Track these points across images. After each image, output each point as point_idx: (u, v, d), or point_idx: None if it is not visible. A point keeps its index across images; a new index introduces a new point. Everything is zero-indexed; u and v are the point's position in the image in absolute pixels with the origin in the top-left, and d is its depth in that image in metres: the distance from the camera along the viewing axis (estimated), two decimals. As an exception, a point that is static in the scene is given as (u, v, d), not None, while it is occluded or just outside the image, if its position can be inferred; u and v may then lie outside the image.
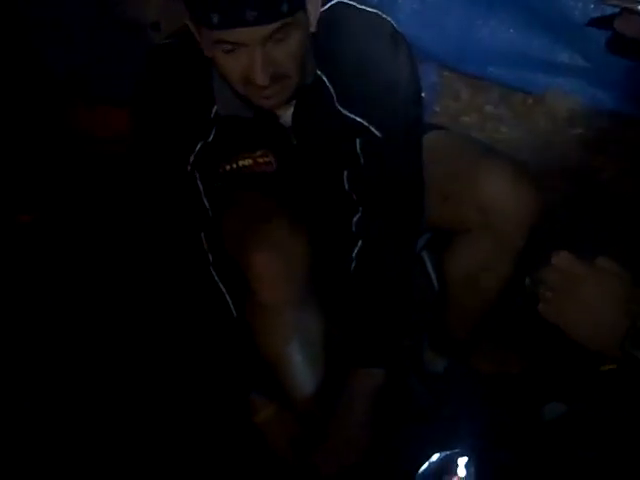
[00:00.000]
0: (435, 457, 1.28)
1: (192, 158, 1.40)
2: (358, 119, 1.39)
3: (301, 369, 1.49)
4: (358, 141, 1.44)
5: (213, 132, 1.39)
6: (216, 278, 1.47)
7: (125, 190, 1.89)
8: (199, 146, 1.40)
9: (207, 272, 1.47)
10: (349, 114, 1.39)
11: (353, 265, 1.53)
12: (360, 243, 1.51)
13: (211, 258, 1.47)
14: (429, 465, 1.28)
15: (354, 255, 1.52)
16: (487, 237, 1.48)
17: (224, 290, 1.48)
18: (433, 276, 1.81)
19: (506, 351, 1.85)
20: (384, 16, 1.38)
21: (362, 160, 1.45)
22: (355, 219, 1.52)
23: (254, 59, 1.17)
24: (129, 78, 1.42)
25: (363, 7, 1.36)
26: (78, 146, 1.87)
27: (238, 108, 1.35)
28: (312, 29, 1.25)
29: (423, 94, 1.51)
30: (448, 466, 1.25)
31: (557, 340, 1.67)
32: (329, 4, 1.34)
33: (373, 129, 1.40)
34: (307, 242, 1.40)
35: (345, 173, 1.49)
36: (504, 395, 1.73)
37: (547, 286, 1.03)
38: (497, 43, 2.25)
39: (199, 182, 1.44)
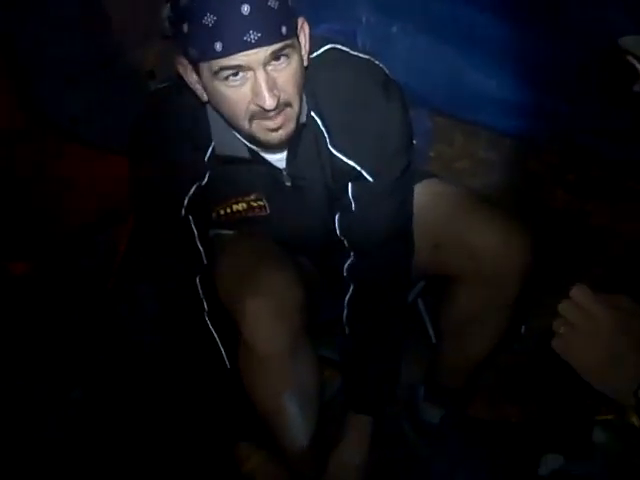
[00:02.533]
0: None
1: (186, 201, 1.40)
2: (350, 163, 1.39)
3: (294, 420, 1.47)
4: (350, 185, 1.44)
5: (207, 175, 1.39)
6: (210, 327, 1.47)
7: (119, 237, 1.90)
8: (193, 189, 1.40)
9: (201, 320, 1.47)
10: (342, 157, 1.39)
11: (345, 312, 1.53)
12: (351, 289, 1.51)
13: (206, 306, 1.47)
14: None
15: (345, 302, 1.52)
16: (481, 286, 1.47)
17: (217, 339, 1.47)
18: (429, 325, 1.80)
19: (504, 399, 1.84)
20: (377, 62, 1.39)
21: (353, 205, 1.45)
22: (346, 265, 1.51)
23: (259, 82, 1.17)
24: (126, 125, 1.43)
25: (356, 53, 1.38)
26: (73, 195, 1.86)
27: (235, 148, 1.35)
28: (304, 63, 1.26)
29: (416, 140, 1.51)
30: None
31: (557, 388, 1.69)
32: (323, 49, 1.35)
33: (365, 173, 1.41)
34: (301, 290, 1.39)
35: (337, 217, 1.49)
36: (501, 445, 1.71)
37: (562, 320, 0.99)
38: (486, 90, 2.28)
39: (193, 226, 1.44)
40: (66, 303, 1.95)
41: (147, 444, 1.79)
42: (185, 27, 1.15)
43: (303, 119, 1.33)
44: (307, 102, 1.33)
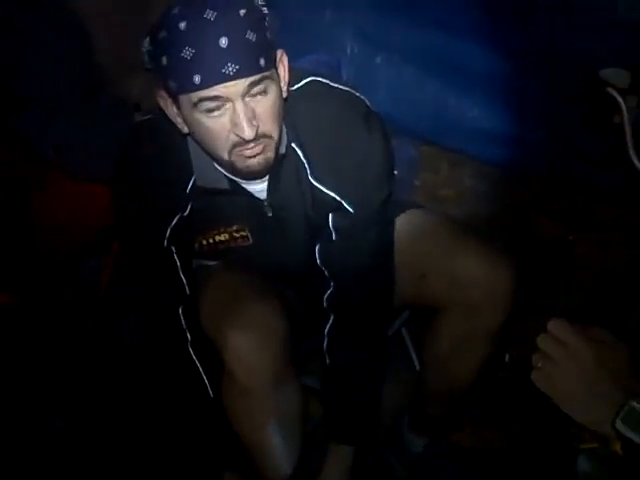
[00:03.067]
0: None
1: (168, 232, 1.40)
2: (331, 194, 1.40)
3: (277, 450, 1.47)
4: (330, 215, 1.44)
5: (189, 206, 1.39)
6: (193, 357, 1.46)
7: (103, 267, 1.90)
8: (175, 220, 1.40)
9: (185, 350, 1.47)
10: (322, 188, 1.40)
11: (325, 342, 1.53)
12: (331, 319, 1.51)
13: (189, 336, 1.47)
14: None
15: (325, 332, 1.52)
16: (466, 315, 1.48)
17: (201, 370, 1.47)
18: (413, 354, 1.80)
19: (488, 427, 1.84)
20: (357, 94, 1.40)
21: (334, 235, 1.45)
22: (326, 294, 1.51)
23: (238, 112, 1.18)
24: (111, 156, 1.44)
25: (337, 85, 1.39)
26: (57, 226, 1.86)
27: (216, 180, 1.36)
28: (284, 94, 1.27)
29: (400, 169, 1.52)
30: None
31: (541, 416, 1.69)
32: (304, 81, 1.37)
33: (345, 204, 1.41)
34: (284, 322, 1.39)
35: (317, 247, 1.50)
36: (484, 474, 1.71)
37: (541, 353, 0.99)
38: (470, 119, 2.31)
39: (176, 257, 1.44)
40: (49, 334, 1.94)
41: (132, 474, 1.78)
42: (164, 60, 1.17)
43: (283, 150, 1.33)
44: (287, 133, 1.34)
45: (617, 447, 1.00)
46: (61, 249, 1.89)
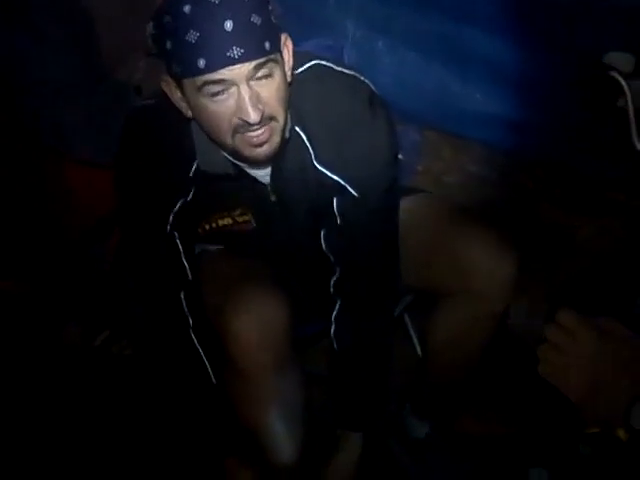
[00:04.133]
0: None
1: (171, 218, 1.40)
2: (335, 177, 1.40)
3: (281, 436, 1.47)
4: (335, 200, 1.44)
5: (192, 191, 1.39)
6: (195, 343, 1.46)
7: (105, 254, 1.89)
8: (178, 205, 1.40)
9: (187, 336, 1.46)
10: (327, 172, 1.39)
11: (332, 328, 1.53)
12: (338, 305, 1.51)
13: (191, 322, 1.46)
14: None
15: (333, 317, 1.52)
16: (469, 301, 1.49)
17: (203, 355, 1.47)
18: (415, 339, 1.81)
19: (490, 412, 1.84)
20: (362, 78, 1.39)
21: (338, 219, 1.45)
22: (333, 280, 1.51)
23: (242, 96, 1.18)
24: (114, 140, 1.43)
25: (341, 69, 1.38)
26: (64, 211, 1.86)
27: (219, 164, 1.35)
28: (288, 79, 1.26)
29: (404, 154, 1.52)
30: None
31: (544, 402, 1.69)
32: (307, 65, 1.36)
33: (350, 188, 1.41)
34: (287, 307, 1.39)
35: (322, 232, 1.50)
36: (487, 459, 1.72)
37: (549, 345, 0.99)
38: (474, 104, 2.29)
39: (178, 242, 1.44)
40: (54, 321, 1.95)
41: (136, 458, 1.78)
42: (168, 44, 1.16)
43: (287, 134, 1.33)
44: (291, 118, 1.33)
45: (620, 433, 1.01)
46: (63, 235, 1.89)
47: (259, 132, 1.22)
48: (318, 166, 1.39)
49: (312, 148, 1.37)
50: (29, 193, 1.85)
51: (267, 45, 1.17)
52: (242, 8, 1.14)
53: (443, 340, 1.58)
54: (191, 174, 1.37)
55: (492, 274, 1.46)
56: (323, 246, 1.50)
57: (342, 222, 1.45)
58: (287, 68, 1.26)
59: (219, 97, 1.19)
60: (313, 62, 1.37)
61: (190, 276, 1.46)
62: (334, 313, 1.52)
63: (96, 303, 1.95)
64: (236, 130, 1.22)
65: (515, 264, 1.48)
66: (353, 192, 1.41)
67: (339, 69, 1.38)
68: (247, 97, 1.18)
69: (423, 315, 1.64)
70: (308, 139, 1.37)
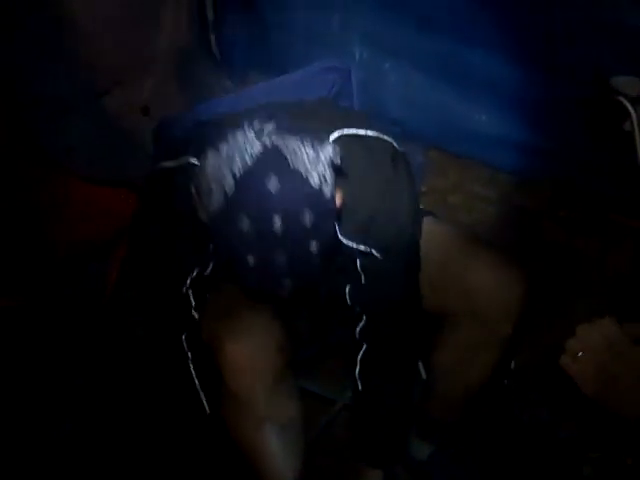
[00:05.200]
0: None
1: (188, 281, 1.39)
2: (361, 247, 1.39)
3: (279, 456, 1.48)
4: (358, 260, 1.43)
5: (211, 266, 1.38)
6: (193, 374, 1.45)
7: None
8: (196, 272, 1.39)
9: (185, 366, 1.46)
10: (351, 244, 1.39)
11: (357, 369, 1.51)
12: (365, 347, 1.50)
13: (190, 355, 1.45)
14: None
15: (359, 359, 1.51)
16: (475, 324, 1.48)
17: (198, 385, 1.46)
18: (419, 362, 1.79)
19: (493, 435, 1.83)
20: (385, 138, 1.40)
21: (363, 277, 1.44)
22: (359, 327, 1.49)
23: None
24: (119, 158, 1.43)
25: (364, 132, 1.37)
26: (64, 226, 1.86)
27: None
28: None
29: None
30: None
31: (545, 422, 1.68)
32: (332, 137, 1.34)
33: (374, 252, 1.41)
34: (283, 330, 1.40)
35: (347, 289, 1.48)
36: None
37: (581, 344, 1.02)
38: (478, 125, 2.29)
39: (192, 299, 1.42)
40: (53, 336, 1.94)
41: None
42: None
43: None
44: None
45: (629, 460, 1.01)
46: (66, 249, 1.89)
47: None
48: (343, 239, 1.38)
49: (338, 224, 1.35)
50: (29, 207, 1.85)
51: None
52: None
53: (448, 362, 1.58)
54: (210, 249, 1.35)
55: (499, 300, 1.46)
56: (348, 301, 1.49)
57: (367, 279, 1.44)
58: None
59: None
60: (336, 134, 1.35)
61: (196, 318, 1.45)
62: (359, 355, 1.50)
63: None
64: None
65: (523, 290, 1.48)
66: (377, 255, 1.41)
67: (363, 133, 1.37)
68: None
69: (427, 337, 1.63)
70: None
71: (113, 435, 1.84)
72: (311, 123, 1.27)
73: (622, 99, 1.72)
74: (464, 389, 1.62)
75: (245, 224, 1.10)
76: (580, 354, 1.02)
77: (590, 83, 1.86)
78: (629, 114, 1.72)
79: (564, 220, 2.30)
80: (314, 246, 1.14)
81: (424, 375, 1.73)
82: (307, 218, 1.12)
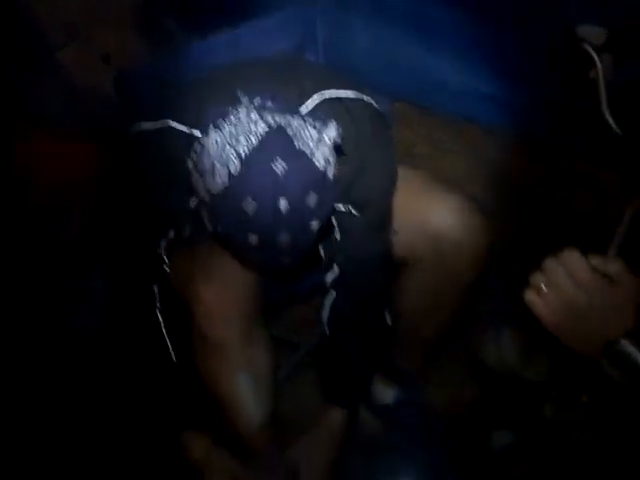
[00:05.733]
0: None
1: (164, 244, 1.39)
2: (340, 207, 1.40)
3: (249, 401, 1.49)
4: (334, 219, 1.43)
5: (188, 229, 1.37)
6: (161, 322, 1.45)
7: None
8: (172, 235, 1.38)
9: (152, 314, 1.45)
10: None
11: (326, 315, 1.53)
12: (335, 295, 1.51)
13: (159, 305, 1.45)
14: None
15: (328, 306, 1.52)
16: (439, 271, 1.50)
17: (166, 334, 1.45)
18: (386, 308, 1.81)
19: (457, 380, 1.86)
20: (365, 99, 1.40)
21: (339, 235, 1.45)
22: (330, 277, 1.50)
23: None
24: (81, 109, 1.41)
25: (345, 94, 1.37)
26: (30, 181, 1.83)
27: None
28: None
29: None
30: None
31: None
32: (312, 101, 1.33)
33: (352, 210, 1.42)
34: (254, 274, 1.39)
35: (321, 245, 1.48)
36: (453, 424, 1.74)
37: (544, 278, 1.02)
38: (446, 77, 2.28)
39: (165, 257, 1.42)
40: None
41: (94, 431, 1.78)
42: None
43: None
44: None
45: (584, 397, 1.03)
46: (28, 205, 1.87)
47: None
48: None
49: None
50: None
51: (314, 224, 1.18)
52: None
53: (412, 308, 1.59)
54: (191, 206, 1.32)
55: (461, 242, 1.47)
56: (322, 254, 1.49)
57: (342, 237, 1.45)
58: None
59: None
60: (316, 98, 1.34)
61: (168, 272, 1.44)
62: (329, 303, 1.52)
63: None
64: None
65: (485, 234, 1.49)
66: (355, 213, 1.42)
67: (343, 95, 1.37)
68: None
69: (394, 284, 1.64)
70: None
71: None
72: (292, 88, 1.29)
73: (587, 47, 1.71)
74: (429, 336, 1.64)
75: (250, 205, 1.12)
76: (544, 287, 1.02)
77: (556, 32, 1.86)
78: (594, 62, 1.72)
79: (532, 171, 2.32)
80: (315, 225, 1.17)
81: (389, 321, 1.75)
82: (312, 200, 1.15)
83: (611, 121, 1.64)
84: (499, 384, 1.74)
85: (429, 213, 1.48)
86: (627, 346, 0.98)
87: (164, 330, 1.45)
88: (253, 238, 1.15)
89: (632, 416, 1.08)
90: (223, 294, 1.35)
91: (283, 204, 1.12)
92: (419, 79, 2.32)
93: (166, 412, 1.54)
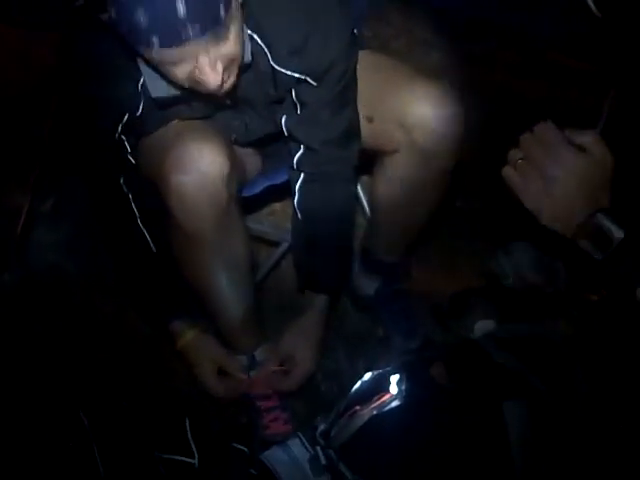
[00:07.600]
0: (368, 376, 1.31)
1: (120, 127, 1.37)
2: (294, 74, 1.38)
3: (228, 294, 1.50)
4: (294, 90, 1.42)
5: (141, 106, 1.35)
6: (135, 213, 1.44)
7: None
8: (126, 118, 1.36)
9: (128, 209, 1.45)
10: (285, 71, 1.37)
11: (296, 198, 1.53)
12: (302, 177, 1.51)
13: (131, 196, 1.44)
14: (362, 384, 1.31)
15: (296, 188, 1.52)
16: (414, 157, 1.48)
17: (141, 224, 1.45)
18: (364, 199, 1.81)
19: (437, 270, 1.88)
20: None
21: (299, 108, 1.44)
22: (296, 156, 1.50)
23: (201, 65, 1.16)
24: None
25: None
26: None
27: (169, 89, 1.30)
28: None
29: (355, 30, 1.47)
30: (381, 384, 1.28)
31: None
32: None
33: (309, 80, 1.39)
34: (228, 161, 1.36)
35: (283, 120, 1.47)
36: (436, 314, 1.76)
37: (520, 152, 1.02)
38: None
39: (126, 144, 1.40)
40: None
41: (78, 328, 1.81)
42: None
43: (248, 57, 1.31)
44: (246, 23, 1.29)
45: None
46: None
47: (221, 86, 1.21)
48: (276, 67, 1.37)
49: (268, 50, 1.35)
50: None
51: (222, 12, 1.12)
52: None
53: (390, 197, 1.58)
54: (139, 88, 1.33)
55: (436, 130, 1.44)
56: (285, 131, 1.48)
57: (302, 110, 1.44)
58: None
59: (177, 65, 1.17)
60: None
61: (133, 162, 1.43)
62: (297, 184, 1.52)
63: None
64: (194, 83, 1.21)
65: (460, 122, 1.47)
66: (312, 82, 1.39)
67: None
68: (207, 67, 1.16)
69: (370, 175, 1.63)
70: (263, 41, 1.34)
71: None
72: None
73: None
74: (407, 226, 1.64)
75: None
76: (520, 161, 1.01)
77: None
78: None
79: (509, 64, 2.29)
80: None
81: (368, 212, 1.75)
82: None
83: (590, 2, 1.60)
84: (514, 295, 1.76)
85: (404, 103, 1.45)
86: (602, 219, 0.99)
87: (140, 220, 1.44)
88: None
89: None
90: (196, 180, 1.32)
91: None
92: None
93: (154, 301, 1.54)
